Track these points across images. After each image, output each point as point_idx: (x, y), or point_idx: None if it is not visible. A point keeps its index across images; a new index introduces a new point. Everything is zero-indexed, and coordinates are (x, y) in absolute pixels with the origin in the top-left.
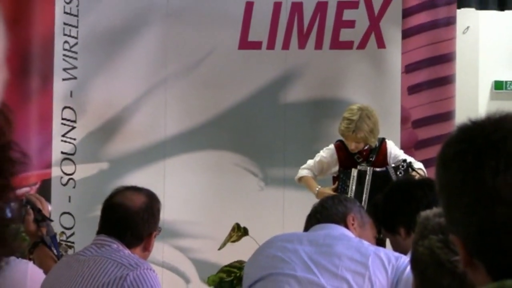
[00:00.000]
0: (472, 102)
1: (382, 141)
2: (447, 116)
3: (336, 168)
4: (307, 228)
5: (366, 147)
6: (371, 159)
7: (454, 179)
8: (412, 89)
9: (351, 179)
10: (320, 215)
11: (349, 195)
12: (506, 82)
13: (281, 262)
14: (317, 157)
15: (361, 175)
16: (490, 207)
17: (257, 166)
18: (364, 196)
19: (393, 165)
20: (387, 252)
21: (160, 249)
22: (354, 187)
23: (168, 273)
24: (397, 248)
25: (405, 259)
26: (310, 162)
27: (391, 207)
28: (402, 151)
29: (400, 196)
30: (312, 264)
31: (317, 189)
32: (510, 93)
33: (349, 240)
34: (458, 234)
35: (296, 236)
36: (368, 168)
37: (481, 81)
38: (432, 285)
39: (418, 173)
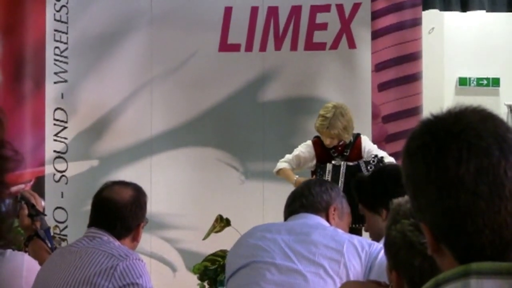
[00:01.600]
0: (438, 97)
1: (357, 137)
2: (415, 111)
3: (313, 163)
4: (289, 207)
5: (341, 143)
6: (345, 153)
7: (419, 169)
8: (382, 87)
9: (327, 173)
10: (305, 199)
11: None
12: (469, 78)
13: (261, 251)
14: (295, 152)
15: (336, 170)
16: (455, 195)
17: (238, 160)
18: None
19: (364, 160)
20: (361, 239)
21: (148, 240)
22: (330, 181)
23: (156, 262)
24: (373, 227)
25: (378, 245)
26: (288, 156)
27: (377, 188)
28: (375, 146)
29: (387, 180)
30: (290, 252)
31: (295, 178)
32: (474, 88)
33: (325, 229)
34: (425, 221)
35: (275, 226)
36: (342, 163)
37: (446, 78)
38: (404, 266)
39: None
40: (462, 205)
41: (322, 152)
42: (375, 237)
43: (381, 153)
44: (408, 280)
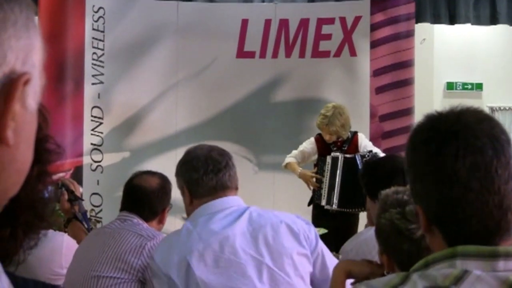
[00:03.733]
0: (428, 100)
1: (355, 134)
2: (407, 111)
3: (315, 156)
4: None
5: (339, 139)
6: (344, 148)
7: (420, 160)
8: (379, 90)
9: (327, 165)
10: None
11: (325, 177)
12: (456, 83)
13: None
14: (300, 148)
15: (334, 161)
16: (449, 186)
17: (252, 153)
18: (337, 178)
19: (360, 153)
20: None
21: (172, 222)
22: (329, 172)
23: None
24: (372, 212)
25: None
26: (294, 151)
27: (375, 178)
28: (371, 143)
29: (384, 171)
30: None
31: (299, 171)
32: (460, 92)
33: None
34: (421, 204)
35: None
36: (340, 155)
37: (435, 83)
38: (394, 250)
39: None
40: (455, 195)
41: (323, 147)
42: (374, 221)
43: (376, 149)
44: (398, 262)
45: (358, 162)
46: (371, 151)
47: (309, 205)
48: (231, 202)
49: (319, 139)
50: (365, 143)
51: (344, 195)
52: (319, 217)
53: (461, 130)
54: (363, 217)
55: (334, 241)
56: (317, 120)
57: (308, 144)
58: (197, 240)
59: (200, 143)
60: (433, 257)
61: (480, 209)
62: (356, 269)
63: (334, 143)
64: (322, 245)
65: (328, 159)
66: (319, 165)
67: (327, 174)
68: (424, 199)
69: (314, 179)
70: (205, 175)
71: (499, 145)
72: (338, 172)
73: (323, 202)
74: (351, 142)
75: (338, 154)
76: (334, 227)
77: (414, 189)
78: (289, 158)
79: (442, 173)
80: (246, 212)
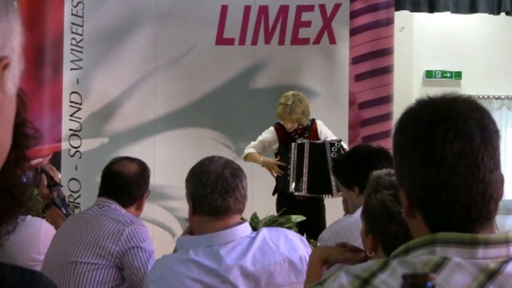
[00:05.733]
0: (407, 88)
1: (313, 121)
2: (386, 99)
3: (276, 145)
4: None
5: (300, 126)
6: (305, 135)
7: (408, 141)
8: (358, 77)
9: (292, 151)
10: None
11: (291, 165)
12: (435, 71)
13: None
14: (259, 138)
15: (300, 147)
16: (435, 168)
17: (231, 140)
18: (304, 163)
19: (329, 141)
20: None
21: (151, 209)
22: (295, 158)
23: (157, 228)
24: (349, 201)
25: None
26: (253, 142)
27: (350, 167)
28: (330, 131)
29: (359, 160)
30: None
31: (262, 159)
32: (439, 80)
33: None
34: (404, 187)
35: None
36: (306, 141)
37: (414, 71)
38: (381, 231)
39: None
40: (440, 179)
41: (284, 136)
42: (351, 209)
43: (334, 137)
44: (383, 244)
45: (327, 149)
46: (340, 140)
47: (274, 194)
48: (235, 234)
49: (279, 128)
50: (325, 130)
51: (313, 180)
52: (286, 204)
53: (452, 116)
54: (329, 205)
55: (304, 228)
56: (277, 110)
57: (268, 134)
58: (196, 274)
59: (219, 156)
60: (413, 243)
61: (463, 196)
62: (332, 254)
63: (295, 131)
64: None
65: (294, 146)
66: (282, 153)
67: (293, 160)
68: (409, 182)
69: (278, 167)
70: (211, 194)
71: (488, 134)
72: (305, 157)
73: (291, 189)
74: (311, 129)
75: (304, 140)
76: (302, 214)
77: (400, 171)
78: (249, 149)
79: (429, 156)
80: (250, 251)
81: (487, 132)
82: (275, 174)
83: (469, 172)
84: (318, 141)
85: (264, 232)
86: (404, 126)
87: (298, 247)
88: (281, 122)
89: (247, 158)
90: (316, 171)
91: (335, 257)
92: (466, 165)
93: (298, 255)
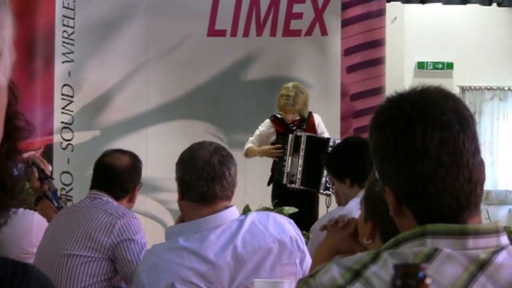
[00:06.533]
0: (399, 79)
1: (310, 114)
2: (378, 90)
3: (273, 138)
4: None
5: (298, 118)
6: (303, 127)
7: (388, 139)
8: (350, 69)
9: (289, 143)
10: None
11: (287, 156)
12: (426, 62)
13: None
14: (257, 132)
15: (297, 139)
16: (420, 162)
17: (223, 132)
18: (300, 156)
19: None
20: None
21: (143, 201)
22: (292, 149)
23: (150, 221)
24: (340, 193)
25: None
26: (250, 138)
27: (342, 160)
28: (324, 127)
29: (350, 153)
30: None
31: (259, 150)
32: (430, 72)
33: None
34: (389, 185)
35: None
36: (303, 133)
37: (406, 62)
38: (382, 219)
39: None
40: (426, 171)
41: (282, 127)
42: (343, 201)
43: (327, 135)
44: (383, 232)
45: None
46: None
47: (269, 184)
48: (223, 218)
49: (275, 120)
50: (322, 125)
51: (307, 173)
52: (281, 196)
53: (427, 107)
54: (323, 197)
55: (297, 220)
56: (279, 102)
57: (264, 126)
58: (188, 261)
59: (210, 141)
60: (403, 235)
61: (451, 184)
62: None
63: (293, 123)
64: (305, 247)
65: (291, 137)
66: (279, 143)
67: (289, 152)
68: (393, 179)
69: (275, 150)
70: (198, 180)
71: (465, 120)
72: (301, 149)
73: (285, 180)
74: (308, 122)
75: (301, 132)
76: (296, 206)
77: (382, 170)
78: (248, 145)
79: (411, 150)
80: (240, 233)
81: (464, 119)
82: (277, 159)
83: (453, 160)
84: (318, 136)
85: (253, 215)
86: (380, 125)
87: (288, 228)
88: (280, 114)
89: (247, 154)
90: (311, 164)
91: (345, 249)
92: (449, 153)
93: (289, 235)
